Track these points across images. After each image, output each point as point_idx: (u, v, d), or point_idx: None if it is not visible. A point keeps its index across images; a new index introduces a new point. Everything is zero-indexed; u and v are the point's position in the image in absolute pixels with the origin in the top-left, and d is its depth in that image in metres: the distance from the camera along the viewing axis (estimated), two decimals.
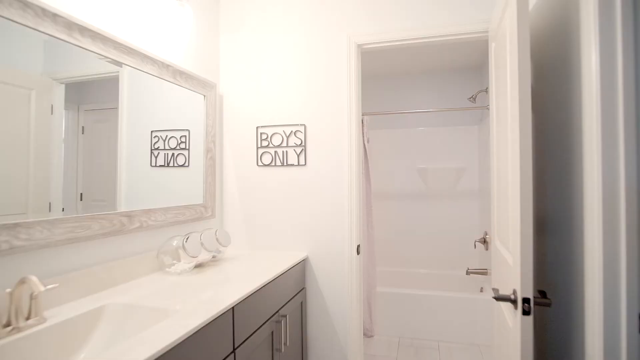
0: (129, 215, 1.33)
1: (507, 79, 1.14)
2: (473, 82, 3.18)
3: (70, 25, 1.12)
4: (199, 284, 1.28)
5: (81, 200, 1.17)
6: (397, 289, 2.68)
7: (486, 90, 2.88)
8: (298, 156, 1.86)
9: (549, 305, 0.96)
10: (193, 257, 1.41)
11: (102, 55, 1.24)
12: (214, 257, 1.64)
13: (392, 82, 3.37)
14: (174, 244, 1.45)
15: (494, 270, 1.47)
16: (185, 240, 1.42)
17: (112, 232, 1.26)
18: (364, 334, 2.62)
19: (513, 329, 1.04)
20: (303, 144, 1.85)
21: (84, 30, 1.16)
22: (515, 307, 1.00)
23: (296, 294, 1.69)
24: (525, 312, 0.93)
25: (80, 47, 1.16)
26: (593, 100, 0.90)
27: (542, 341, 1.29)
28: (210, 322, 1.00)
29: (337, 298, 1.79)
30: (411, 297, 2.61)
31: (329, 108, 1.82)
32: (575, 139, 1.01)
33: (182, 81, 1.66)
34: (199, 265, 1.54)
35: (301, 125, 1.86)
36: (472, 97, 2.95)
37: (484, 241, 2.91)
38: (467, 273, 2.88)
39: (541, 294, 1.01)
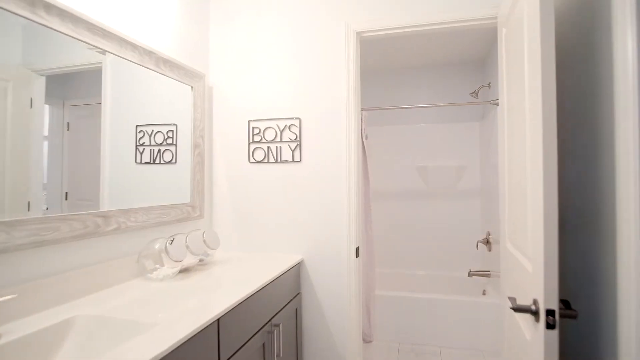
0: (104, 215, 1.20)
1: (523, 67, 1.03)
2: (475, 77, 3.08)
3: (34, 2, 0.99)
4: (183, 292, 1.16)
5: (66, 199, 1.10)
6: (397, 292, 2.57)
7: (489, 86, 2.78)
8: (293, 152, 1.74)
9: (575, 317, 0.85)
10: (177, 261, 1.29)
11: (73, 38, 1.11)
12: (201, 260, 1.51)
13: (391, 78, 3.26)
14: (157, 247, 1.32)
15: (505, 276, 1.36)
16: (168, 242, 1.30)
17: (85, 235, 1.13)
18: (362, 340, 2.50)
19: (533, 343, 0.93)
20: (298, 139, 1.73)
21: (50, 7, 1.03)
22: (537, 320, 0.88)
23: (290, 300, 1.57)
24: (550, 326, 0.82)
25: (46, 26, 1.03)
26: (629, 91, 0.79)
27: (561, 354, 1.19)
28: (192, 337, 0.88)
29: (335, 304, 1.67)
30: (411, 301, 2.51)
31: (326, 101, 1.70)
32: (604, 131, 0.90)
33: (167, 70, 1.53)
34: (184, 270, 1.41)
35: (296, 118, 1.74)
36: (474, 92, 2.84)
37: (487, 242, 2.81)
38: (469, 275, 2.79)
39: (564, 304, 0.90)
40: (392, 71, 3.26)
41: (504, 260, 1.37)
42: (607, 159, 0.89)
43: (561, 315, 0.85)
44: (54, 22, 1.05)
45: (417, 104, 3.06)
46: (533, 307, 0.90)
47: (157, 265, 1.33)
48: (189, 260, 1.41)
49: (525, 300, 1.00)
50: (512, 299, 1.00)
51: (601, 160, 0.92)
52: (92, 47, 1.18)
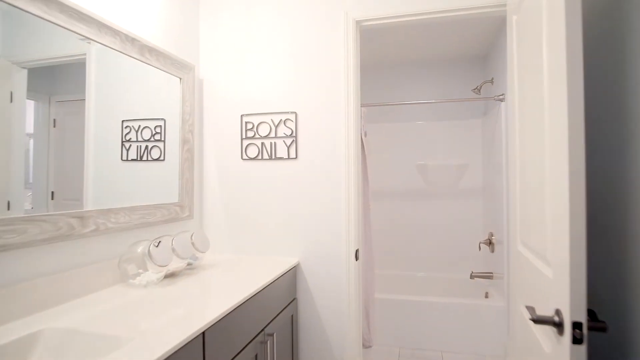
0: (81, 216, 1.09)
1: (541, 58, 0.93)
2: (476, 73, 2.99)
3: None
4: (167, 299, 1.05)
5: (52, 199, 1.05)
6: (397, 295, 2.48)
7: (492, 81, 2.69)
8: (288, 148, 1.64)
9: (604, 330, 0.76)
10: (161, 266, 1.18)
11: (44, 19, 1.00)
12: (189, 264, 1.40)
13: (389, 74, 3.17)
14: (139, 251, 1.22)
15: (516, 280, 1.27)
16: (152, 245, 1.19)
17: (58, 237, 1.02)
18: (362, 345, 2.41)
19: (554, 357, 0.83)
20: (294, 134, 1.63)
21: None
22: (560, 332, 0.79)
23: (286, 307, 1.46)
24: (577, 340, 0.73)
25: (11, 4, 0.92)
26: None
27: None
28: (173, 353, 0.78)
29: (333, 310, 1.57)
30: (412, 304, 2.43)
31: (324, 94, 1.60)
32: (635, 122, 0.81)
33: (153, 59, 1.42)
34: (170, 275, 1.31)
35: (292, 113, 1.63)
36: (476, 88, 2.76)
37: (490, 243, 2.72)
38: (471, 277, 2.70)
39: (589, 314, 0.80)
40: (390, 67, 3.16)
41: (515, 263, 1.28)
42: (638, 152, 0.80)
43: (589, 328, 0.75)
44: (19, 1, 0.94)
45: (417, 101, 2.97)
46: (556, 319, 0.80)
47: (140, 270, 1.22)
48: (176, 264, 1.30)
49: (544, 310, 0.91)
50: (531, 309, 0.90)
51: (630, 154, 0.83)
52: (67, 30, 1.08)
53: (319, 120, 1.61)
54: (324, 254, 1.58)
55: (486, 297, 2.69)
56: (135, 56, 1.33)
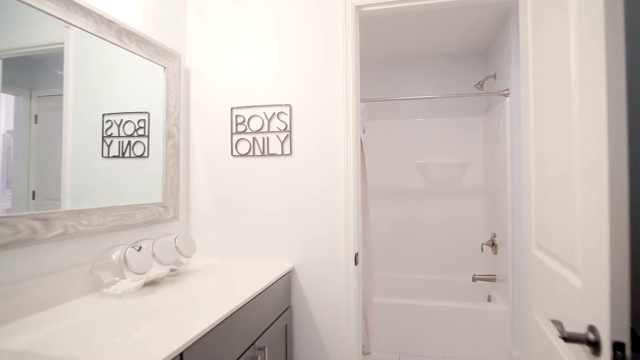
0: (45, 218, 0.97)
1: (568, 43, 0.82)
2: (478, 68, 2.89)
3: None
4: (144, 312, 0.93)
5: (33, 199, 0.99)
6: (396, 299, 2.38)
7: (494, 76, 2.59)
8: (282, 144, 1.52)
9: None
10: (138, 273, 1.06)
11: None
12: (173, 270, 1.28)
13: (388, 69, 3.06)
14: (114, 256, 1.09)
15: (531, 288, 1.16)
16: (129, 250, 1.06)
17: (16, 243, 0.89)
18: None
19: None
20: (288, 128, 1.51)
21: None
22: (596, 353, 0.68)
23: (279, 316, 1.34)
24: None
25: None
26: None
27: None
28: None
29: (331, 318, 1.45)
30: (412, 308, 2.33)
31: (321, 85, 1.49)
32: None
33: (133, 46, 1.29)
34: (151, 283, 1.18)
35: (286, 105, 1.51)
36: (479, 83, 2.66)
37: (492, 244, 2.63)
38: (474, 280, 2.60)
39: (630, 332, 0.69)
40: (389, 63, 3.06)
41: (529, 269, 1.17)
42: None
43: (633, 349, 0.64)
44: None
45: (417, 96, 2.86)
46: (591, 337, 0.69)
47: (117, 278, 1.09)
48: (157, 270, 1.17)
49: (572, 324, 0.80)
50: (558, 324, 0.79)
51: None
52: (30, 7, 0.95)
53: (316, 113, 1.49)
54: (320, 258, 1.47)
55: (489, 300, 2.59)
56: (112, 41, 1.21)
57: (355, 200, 1.47)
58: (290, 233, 1.50)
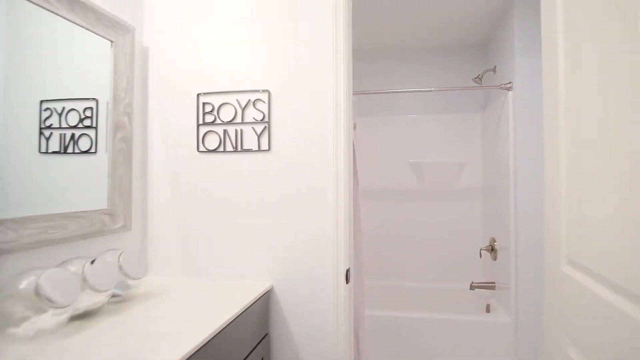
0: None
1: (612, 17, 0.60)
2: (475, 62, 2.71)
3: None
4: None
5: None
6: (389, 312, 2.18)
7: (494, 70, 2.41)
8: (259, 137, 1.26)
9: None
10: (59, 307, 0.78)
11: None
12: (116, 296, 1.01)
13: (380, 62, 2.84)
14: (24, 284, 0.81)
15: (558, 314, 0.94)
16: (46, 276, 0.79)
17: None
18: None
19: None
20: (266, 119, 1.25)
21: None
22: None
23: (254, 348, 1.09)
24: None
25: None
26: None
27: None
28: None
29: (317, 345, 1.21)
30: (405, 321, 2.13)
31: (306, 67, 1.24)
32: None
33: (65, 11, 1.01)
34: (83, 315, 0.91)
35: (264, 91, 1.26)
36: (477, 77, 2.47)
37: (492, 249, 2.44)
38: (471, 287, 2.41)
39: None
40: (381, 55, 2.84)
41: (557, 290, 0.95)
42: None
43: None
44: None
45: (412, 89, 2.65)
46: None
47: (29, 313, 0.81)
48: (91, 299, 0.90)
49: None
50: None
51: None
52: None
53: (299, 100, 1.24)
54: (305, 276, 1.22)
55: (487, 310, 2.41)
56: (37, 2, 0.93)
57: (346, 206, 1.22)
58: (269, 245, 1.25)
